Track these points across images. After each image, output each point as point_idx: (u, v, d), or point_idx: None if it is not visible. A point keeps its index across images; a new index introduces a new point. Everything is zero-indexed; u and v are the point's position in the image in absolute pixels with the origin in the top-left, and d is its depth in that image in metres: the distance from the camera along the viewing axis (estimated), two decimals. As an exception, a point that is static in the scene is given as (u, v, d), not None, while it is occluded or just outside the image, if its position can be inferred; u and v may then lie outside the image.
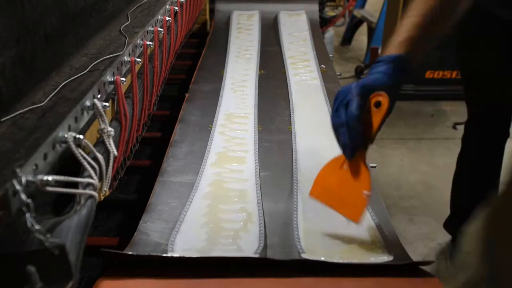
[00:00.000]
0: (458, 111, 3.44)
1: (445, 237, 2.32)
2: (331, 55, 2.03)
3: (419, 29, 0.99)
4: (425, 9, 1.00)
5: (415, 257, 0.91)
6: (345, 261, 0.87)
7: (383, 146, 3.10)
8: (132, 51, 1.08)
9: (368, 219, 1.02)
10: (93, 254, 0.84)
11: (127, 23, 1.21)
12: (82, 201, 0.71)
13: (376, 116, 0.87)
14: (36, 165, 0.64)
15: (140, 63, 1.08)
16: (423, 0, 1.01)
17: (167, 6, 1.44)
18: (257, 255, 0.91)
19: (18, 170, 0.59)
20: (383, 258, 0.91)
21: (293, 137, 1.35)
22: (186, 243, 0.93)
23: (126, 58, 1.03)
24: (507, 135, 1.82)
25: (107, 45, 1.07)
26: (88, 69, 0.92)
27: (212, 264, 0.87)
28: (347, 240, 0.96)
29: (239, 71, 1.82)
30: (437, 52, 2.65)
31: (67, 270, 0.58)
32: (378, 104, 0.87)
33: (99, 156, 0.79)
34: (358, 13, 4.49)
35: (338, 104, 0.91)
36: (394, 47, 0.98)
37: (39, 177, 0.62)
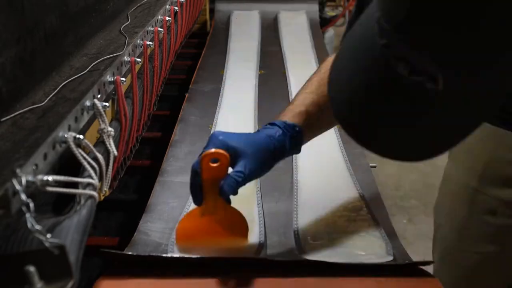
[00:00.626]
0: (458, 111, 3.44)
1: (445, 237, 2.32)
2: (331, 55, 2.03)
3: (317, 108, 0.92)
4: (322, 92, 0.92)
5: (415, 257, 0.91)
6: (345, 261, 0.87)
7: (383, 146, 3.10)
8: (132, 51, 1.08)
9: (368, 219, 1.02)
10: (93, 254, 0.84)
11: (127, 23, 1.21)
12: (82, 201, 0.71)
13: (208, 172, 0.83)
14: (36, 165, 0.64)
15: (140, 63, 1.08)
16: (320, 82, 0.95)
17: (167, 6, 1.44)
18: (257, 255, 0.91)
19: (18, 170, 0.58)
20: (383, 258, 0.91)
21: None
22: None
23: (126, 58, 1.03)
24: None
25: (107, 45, 1.07)
26: (88, 69, 0.92)
27: (212, 264, 0.87)
28: (347, 240, 0.96)
29: (239, 71, 1.82)
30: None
31: (67, 270, 0.58)
32: (215, 161, 0.82)
33: (99, 156, 0.79)
34: (358, 13, 4.48)
35: None
36: (292, 116, 0.91)
37: (39, 177, 0.62)
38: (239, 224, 0.90)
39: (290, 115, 0.92)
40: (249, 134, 0.91)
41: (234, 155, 0.83)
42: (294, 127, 0.89)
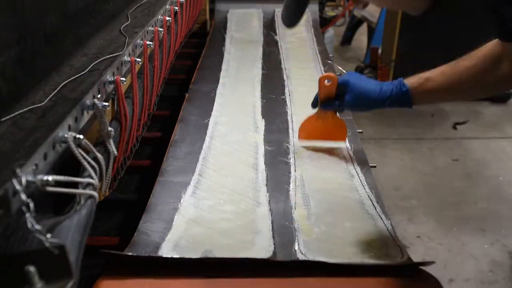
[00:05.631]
0: (458, 111, 3.44)
1: (444, 237, 2.32)
2: (331, 55, 2.03)
3: (441, 75, 1.07)
4: (470, 66, 1.02)
5: (415, 257, 0.91)
6: (345, 262, 0.87)
7: (383, 146, 3.10)
8: (132, 51, 1.08)
9: (367, 219, 1.02)
10: (93, 254, 0.84)
11: (127, 23, 1.21)
12: (82, 201, 0.71)
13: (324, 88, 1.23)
14: (36, 165, 0.64)
15: (140, 63, 1.07)
16: (476, 58, 1.01)
17: (167, 6, 1.44)
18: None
19: (18, 170, 0.59)
20: (383, 258, 0.91)
21: (292, 136, 1.35)
22: (187, 243, 0.93)
23: (126, 58, 1.03)
24: None
25: (107, 45, 1.07)
26: (88, 69, 0.92)
27: (212, 265, 0.87)
28: (346, 240, 0.96)
29: (239, 71, 1.81)
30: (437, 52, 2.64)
31: (67, 270, 0.58)
32: (329, 80, 1.21)
33: (99, 156, 0.79)
34: (358, 13, 4.49)
35: None
36: (412, 77, 1.13)
37: (39, 177, 0.62)
38: (341, 129, 1.31)
39: (412, 77, 1.14)
40: (367, 78, 1.20)
41: (344, 87, 1.19)
42: (403, 84, 1.13)
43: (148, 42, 1.17)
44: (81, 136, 0.74)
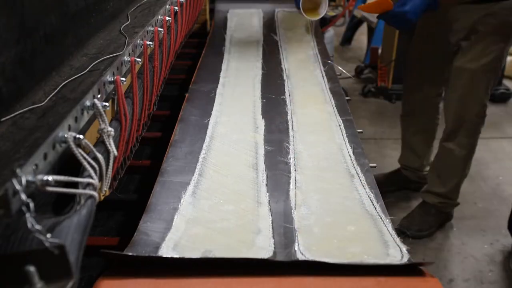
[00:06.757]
0: (458, 111, 3.44)
1: (445, 237, 2.32)
2: (331, 55, 2.03)
3: None
4: None
5: (415, 257, 0.91)
6: (345, 261, 0.87)
7: (383, 146, 3.10)
8: (132, 51, 1.08)
9: (367, 219, 1.02)
10: (93, 254, 0.84)
11: (127, 23, 1.21)
12: (82, 201, 0.71)
13: None
14: (36, 165, 0.64)
15: (140, 63, 1.08)
16: None
17: (167, 6, 1.45)
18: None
19: (18, 170, 0.59)
20: (383, 258, 0.91)
21: (292, 136, 1.35)
22: (187, 243, 0.93)
23: (126, 58, 1.03)
24: None
25: (107, 45, 1.07)
26: (88, 69, 0.92)
27: (212, 264, 0.87)
28: (346, 240, 0.96)
29: (239, 71, 1.82)
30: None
31: (67, 270, 0.58)
32: None
33: (99, 156, 0.79)
34: (358, 13, 4.49)
35: None
36: None
37: (39, 177, 0.62)
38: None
39: None
40: None
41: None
42: None
43: (148, 42, 1.17)
44: (81, 136, 0.74)
